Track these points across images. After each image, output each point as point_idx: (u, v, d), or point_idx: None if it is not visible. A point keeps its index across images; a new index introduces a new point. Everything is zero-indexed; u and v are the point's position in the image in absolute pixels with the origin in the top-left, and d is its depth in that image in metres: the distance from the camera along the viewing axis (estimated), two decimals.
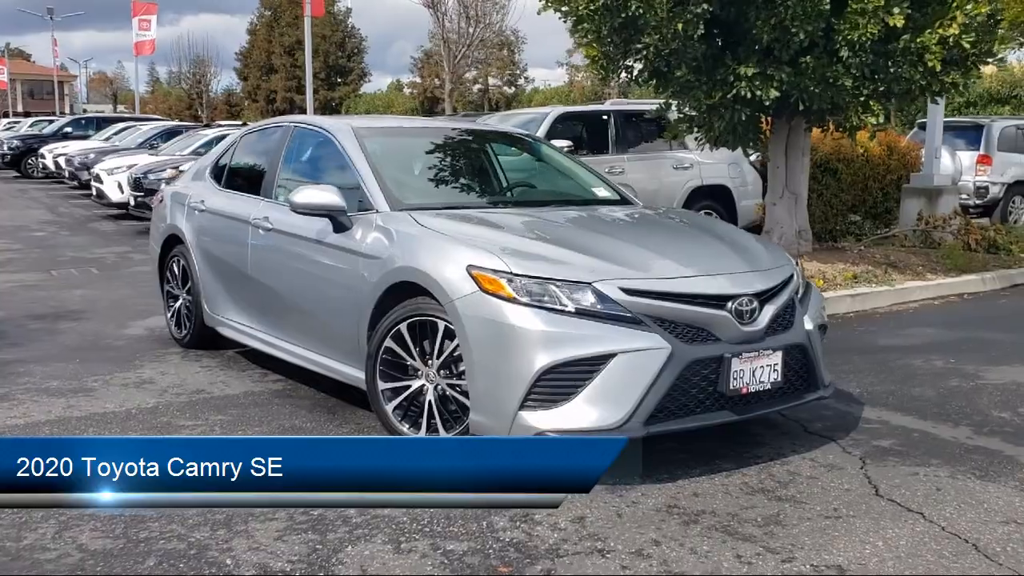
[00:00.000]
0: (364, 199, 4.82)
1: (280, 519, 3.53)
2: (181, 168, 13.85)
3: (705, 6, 7.21)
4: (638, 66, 8.07)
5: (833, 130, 9.03)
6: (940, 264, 9.36)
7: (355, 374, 4.70)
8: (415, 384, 4.29)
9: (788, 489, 3.87)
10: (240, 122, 35.76)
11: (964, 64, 7.66)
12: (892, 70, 7.52)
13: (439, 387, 4.21)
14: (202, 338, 6.41)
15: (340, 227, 4.78)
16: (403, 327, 4.27)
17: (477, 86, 52.87)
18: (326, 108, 58.55)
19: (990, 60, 7.83)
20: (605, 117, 10.72)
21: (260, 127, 6.38)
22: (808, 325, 4.31)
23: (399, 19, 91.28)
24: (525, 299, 3.83)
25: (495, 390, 3.85)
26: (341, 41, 62.84)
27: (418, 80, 57.20)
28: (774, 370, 4.07)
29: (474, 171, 5.65)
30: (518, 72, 50.24)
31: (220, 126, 24.40)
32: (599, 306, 3.81)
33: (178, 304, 6.59)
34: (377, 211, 4.69)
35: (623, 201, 5.48)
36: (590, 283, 3.85)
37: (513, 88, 50.86)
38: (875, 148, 12.33)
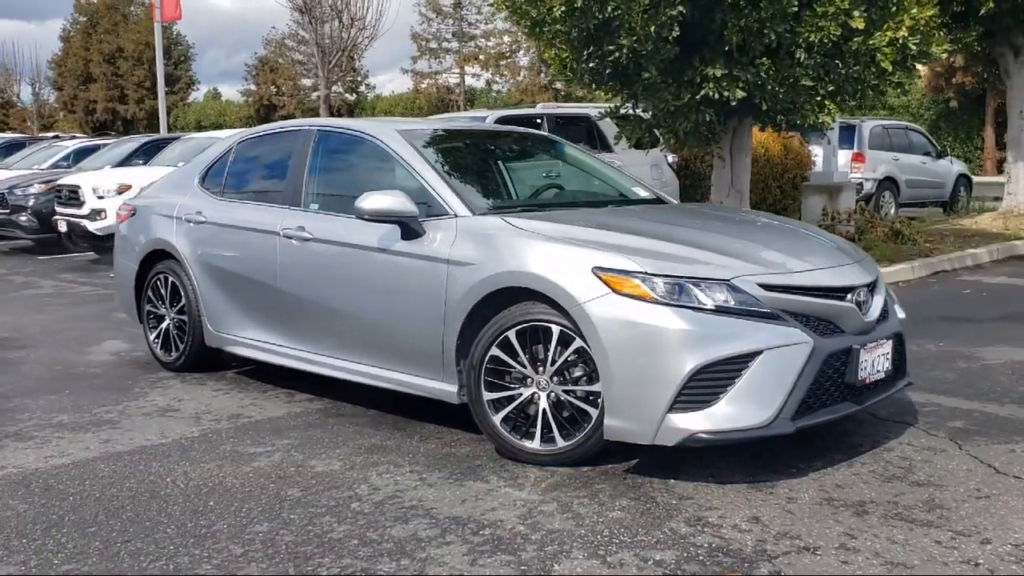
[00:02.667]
0: (434, 204, 4.61)
1: (455, 542, 3.32)
2: (61, 182, 12.90)
3: (680, 8, 7.34)
4: (607, 69, 8.10)
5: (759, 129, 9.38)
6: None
7: (435, 386, 4.49)
8: (525, 392, 4.14)
9: (916, 474, 3.96)
10: (73, 135, 33.51)
11: (904, 65, 8.13)
12: (843, 71, 7.89)
13: (552, 394, 4.08)
14: (198, 360, 5.97)
15: (411, 233, 4.56)
16: (511, 334, 4.11)
17: (316, 93, 51.69)
18: (152, 118, 55.80)
19: (926, 61, 8.35)
20: (539, 120, 10.74)
21: (261, 132, 5.98)
22: (900, 314, 4.45)
23: (211, 27, 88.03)
24: (664, 299, 3.77)
25: (639, 394, 3.76)
26: (167, 48, 60.15)
27: (253, 88, 55.33)
28: (886, 359, 4.18)
29: (527, 173, 5.52)
30: (359, 79, 49.57)
31: (76, 138, 22.85)
32: (738, 303, 3.79)
33: (165, 325, 6.10)
34: (455, 215, 4.49)
35: (661, 200, 5.49)
36: (727, 280, 3.83)
37: (355, 95, 50.11)
38: (775, 148, 12.94)
